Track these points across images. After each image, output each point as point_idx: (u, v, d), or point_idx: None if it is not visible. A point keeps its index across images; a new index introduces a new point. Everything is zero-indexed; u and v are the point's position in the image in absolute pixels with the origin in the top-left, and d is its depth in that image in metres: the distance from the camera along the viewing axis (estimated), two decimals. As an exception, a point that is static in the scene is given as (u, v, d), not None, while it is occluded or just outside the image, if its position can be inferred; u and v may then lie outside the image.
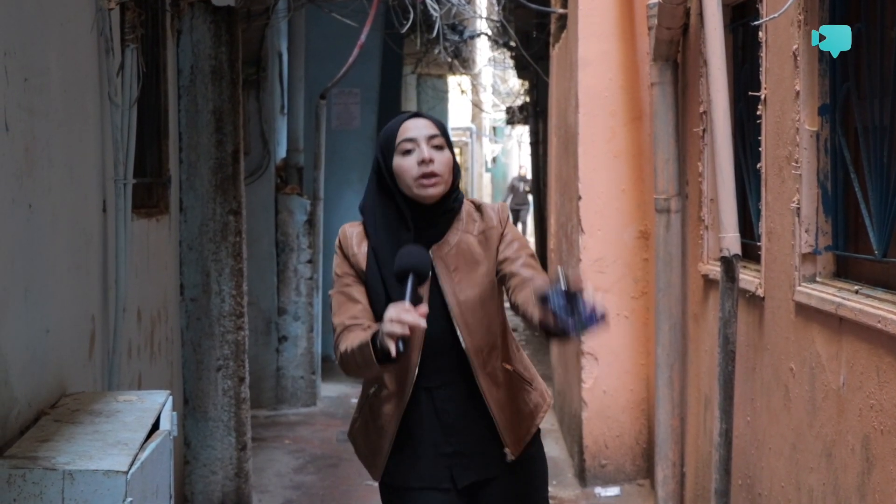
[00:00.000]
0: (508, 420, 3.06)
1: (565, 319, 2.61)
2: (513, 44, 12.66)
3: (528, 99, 17.17)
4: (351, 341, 2.88)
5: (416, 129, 3.00)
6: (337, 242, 3.09)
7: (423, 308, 2.71)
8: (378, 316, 2.90)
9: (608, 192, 6.27)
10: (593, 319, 2.62)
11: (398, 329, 2.66)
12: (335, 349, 2.98)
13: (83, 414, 3.08)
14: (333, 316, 3.02)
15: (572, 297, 2.60)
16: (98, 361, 3.85)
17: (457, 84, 20.78)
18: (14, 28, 2.99)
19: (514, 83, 20.57)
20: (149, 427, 2.99)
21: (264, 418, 8.30)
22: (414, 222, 2.99)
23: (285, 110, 9.03)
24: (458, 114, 26.02)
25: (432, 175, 2.95)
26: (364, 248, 3.03)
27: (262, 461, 6.92)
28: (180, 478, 5.60)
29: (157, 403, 3.23)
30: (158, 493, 2.95)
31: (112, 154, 4.03)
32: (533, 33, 11.09)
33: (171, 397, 3.34)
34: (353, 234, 3.07)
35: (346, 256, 3.05)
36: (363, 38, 8.37)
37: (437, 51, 12.19)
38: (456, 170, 3.05)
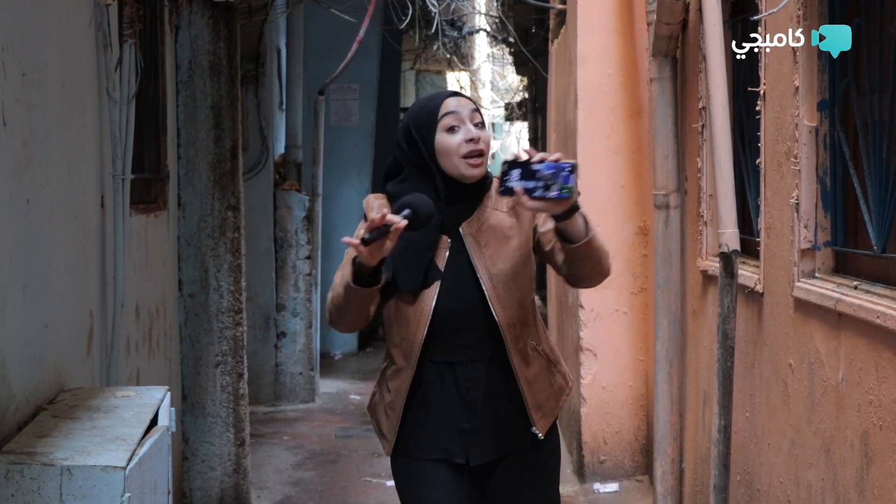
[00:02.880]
0: (537, 398, 3.05)
1: (543, 192, 2.68)
2: (511, 40, 12.65)
3: (526, 95, 17.17)
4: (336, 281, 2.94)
5: (459, 105, 2.97)
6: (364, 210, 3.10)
7: (402, 222, 2.74)
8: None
9: (607, 188, 6.26)
10: (563, 169, 2.66)
11: (370, 221, 2.72)
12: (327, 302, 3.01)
13: (81, 409, 3.08)
14: (337, 272, 3.02)
15: (524, 164, 2.69)
16: (96, 357, 3.84)
17: (455, 80, 20.76)
18: (12, 23, 2.99)
19: (513, 79, 20.55)
20: (147, 423, 2.99)
21: (263, 414, 8.30)
22: (447, 201, 2.97)
23: (284, 106, 9.02)
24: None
25: (480, 154, 2.94)
26: None
27: (261, 457, 6.92)
28: (178, 474, 5.60)
29: (156, 399, 3.23)
30: (157, 488, 2.95)
31: (110, 149, 4.03)
32: (532, 29, 11.08)
33: (169, 393, 3.34)
34: (376, 205, 3.05)
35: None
36: (362, 33, 8.36)
37: (435, 47, 12.18)
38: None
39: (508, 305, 2.98)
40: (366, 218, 3.04)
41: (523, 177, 2.69)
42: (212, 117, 5.66)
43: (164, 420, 3.15)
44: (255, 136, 8.52)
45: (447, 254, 2.99)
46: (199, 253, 5.68)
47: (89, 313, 3.77)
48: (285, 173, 8.88)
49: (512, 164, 2.70)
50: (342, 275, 2.91)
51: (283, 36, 9.03)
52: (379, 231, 2.73)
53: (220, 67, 5.68)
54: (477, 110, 3.00)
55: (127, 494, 2.56)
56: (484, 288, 2.97)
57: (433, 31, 10.17)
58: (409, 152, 3.00)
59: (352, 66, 8.77)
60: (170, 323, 5.34)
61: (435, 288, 2.96)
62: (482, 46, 19.03)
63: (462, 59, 16.19)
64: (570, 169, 2.68)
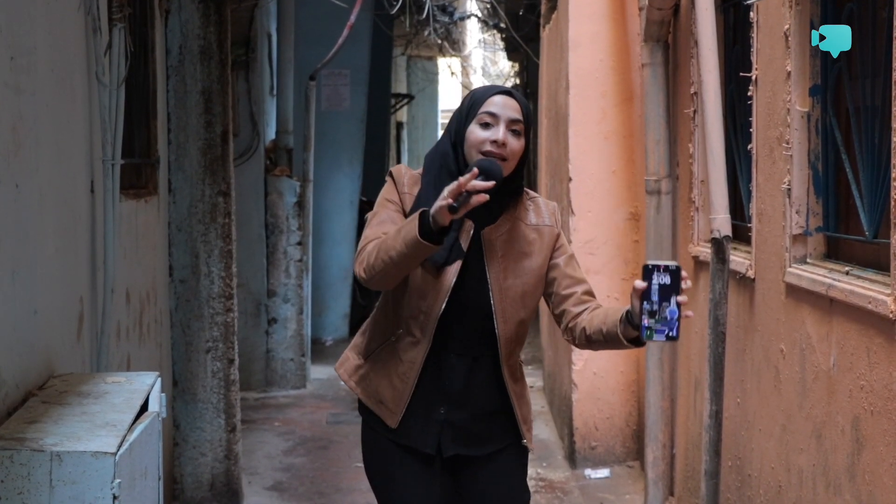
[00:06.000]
0: (523, 412, 3.11)
1: (643, 314, 2.66)
2: (503, 25, 12.62)
3: (518, 81, 17.13)
4: (387, 235, 2.86)
5: (502, 106, 2.93)
6: (390, 174, 3.05)
7: (484, 194, 2.70)
8: None
9: (598, 173, 6.26)
10: (671, 328, 2.67)
11: (454, 184, 2.68)
12: (358, 257, 2.92)
13: (71, 395, 3.07)
14: (367, 228, 2.97)
15: (675, 283, 2.65)
16: (86, 343, 3.83)
17: (447, 66, 20.74)
18: (0, 6, 2.97)
19: (505, 65, 20.52)
20: (137, 409, 2.98)
21: (254, 400, 8.30)
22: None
23: (275, 91, 8.99)
24: (447, 96, 25.95)
25: (500, 158, 2.89)
26: (415, 191, 2.99)
27: (252, 443, 6.92)
28: (169, 459, 5.59)
29: (146, 385, 3.22)
30: (147, 474, 2.94)
31: (100, 134, 4.01)
32: (523, 14, 11.06)
33: (159, 379, 3.32)
34: (408, 174, 3.04)
35: (397, 189, 3.02)
36: (353, 19, 8.35)
37: (426, 32, 12.17)
38: (523, 159, 2.98)
39: (510, 321, 3.00)
40: (395, 180, 3.02)
41: (662, 290, 2.66)
42: (202, 102, 5.63)
43: (154, 406, 3.14)
44: (245, 121, 8.50)
45: (470, 237, 2.96)
46: (189, 238, 5.66)
47: (79, 299, 3.76)
48: (276, 159, 8.86)
49: (668, 271, 2.66)
50: (397, 232, 2.82)
51: (273, 21, 9.00)
52: (463, 197, 2.71)
53: (211, 52, 5.64)
54: (520, 120, 2.92)
55: (117, 480, 2.56)
56: (491, 298, 2.97)
57: (424, 16, 10.16)
58: (449, 131, 3.00)
59: (343, 51, 8.75)
60: (160, 309, 5.33)
61: (456, 266, 2.95)
62: (473, 32, 19.01)
63: (453, 44, 16.18)
64: (672, 335, 2.69)
